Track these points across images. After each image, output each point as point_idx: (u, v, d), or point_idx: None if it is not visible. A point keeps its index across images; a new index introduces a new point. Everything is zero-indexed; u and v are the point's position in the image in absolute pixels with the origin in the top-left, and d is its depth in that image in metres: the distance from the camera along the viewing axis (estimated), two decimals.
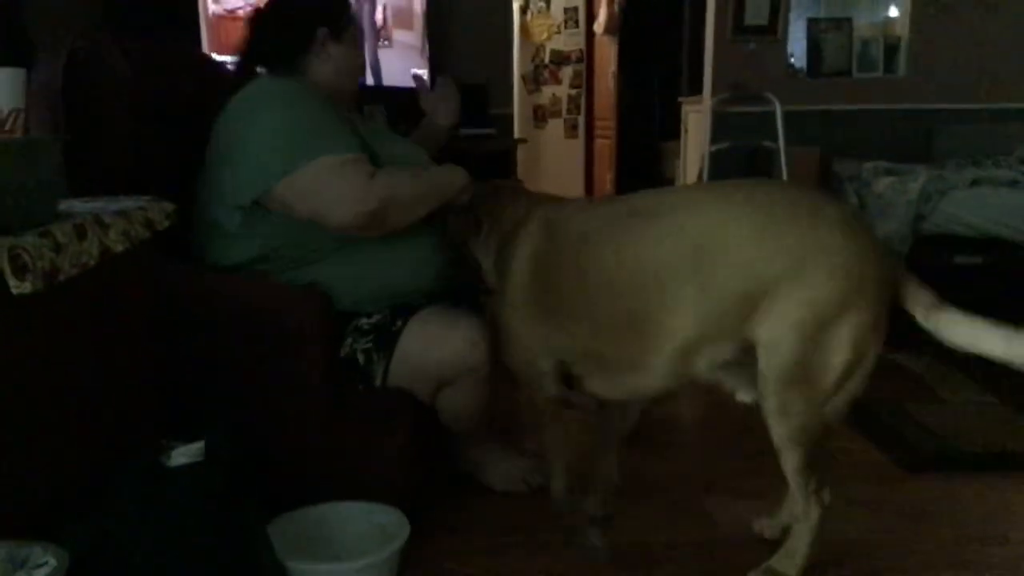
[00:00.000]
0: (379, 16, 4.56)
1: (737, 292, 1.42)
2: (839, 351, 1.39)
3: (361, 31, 1.93)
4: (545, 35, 8.64)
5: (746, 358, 1.47)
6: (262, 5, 1.93)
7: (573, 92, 8.72)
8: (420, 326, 1.75)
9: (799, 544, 1.55)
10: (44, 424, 1.15)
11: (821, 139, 4.47)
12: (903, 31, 4.88)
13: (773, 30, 4.85)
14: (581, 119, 8.78)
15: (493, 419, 1.93)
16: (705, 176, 4.44)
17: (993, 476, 2.07)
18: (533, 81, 8.64)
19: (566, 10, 8.59)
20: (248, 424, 1.62)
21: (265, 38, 1.87)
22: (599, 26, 8.23)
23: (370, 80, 4.31)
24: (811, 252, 1.38)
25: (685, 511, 1.91)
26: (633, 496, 1.96)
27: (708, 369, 1.52)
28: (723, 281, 1.42)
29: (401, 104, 2.07)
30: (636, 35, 7.90)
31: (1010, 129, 4.52)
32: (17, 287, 0.97)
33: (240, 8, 4.25)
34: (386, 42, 4.60)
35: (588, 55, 8.65)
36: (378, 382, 1.74)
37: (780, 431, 1.46)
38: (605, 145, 8.54)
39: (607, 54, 8.26)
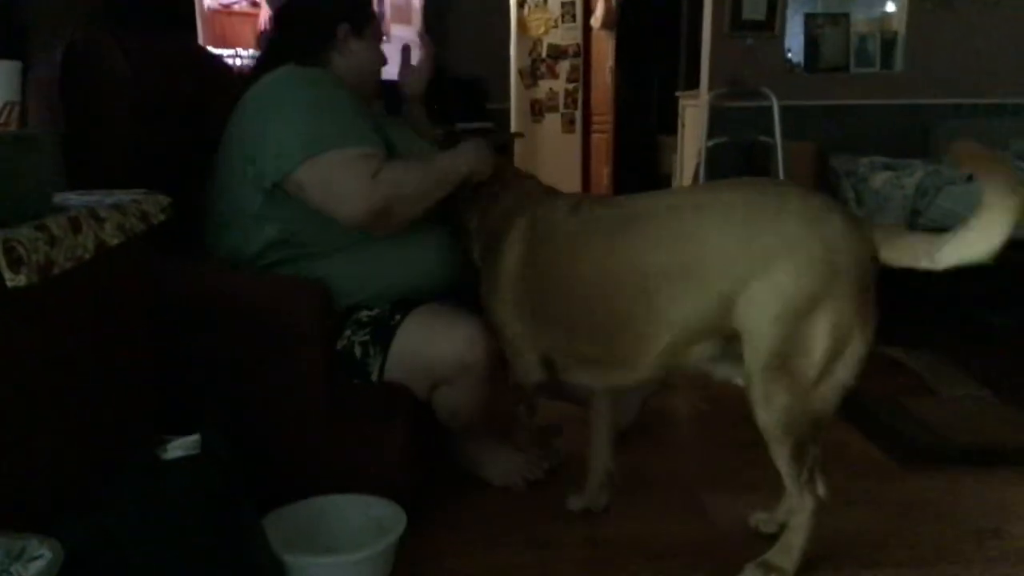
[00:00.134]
0: (377, 11, 4.56)
1: (713, 293, 1.46)
2: (818, 341, 1.41)
3: (380, 27, 1.95)
4: (542, 29, 8.64)
5: (734, 347, 1.49)
6: (283, 4, 1.95)
7: (570, 87, 8.73)
8: (418, 322, 1.74)
9: (795, 538, 1.55)
10: (39, 419, 1.15)
11: (818, 134, 4.47)
12: (900, 26, 4.88)
13: (770, 25, 4.85)
14: (578, 114, 8.78)
15: (492, 418, 1.92)
16: (702, 171, 4.45)
17: (989, 471, 2.07)
18: (530, 76, 8.64)
19: (563, 4, 8.59)
20: (246, 420, 1.62)
21: (288, 35, 1.89)
22: (596, 20, 8.23)
23: None
24: (778, 248, 1.41)
25: (681, 506, 1.91)
26: (629, 491, 1.96)
27: (694, 363, 1.56)
28: (700, 284, 1.47)
29: (400, 98, 2.06)
30: (633, 30, 7.89)
31: (1007, 124, 4.53)
32: (11, 280, 0.97)
33: (235, 3, 4.25)
34: (384, 37, 4.60)
35: (585, 50, 8.65)
36: (374, 377, 1.74)
37: (766, 422, 1.48)
38: (602, 140, 8.54)
39: (604, 49, 8.26)
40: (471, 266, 1.85)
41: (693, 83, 5.34)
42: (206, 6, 4.14)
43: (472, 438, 1.98)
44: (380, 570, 1.55)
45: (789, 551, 1.56)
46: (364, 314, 1.77)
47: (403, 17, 4.69)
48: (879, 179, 3.73)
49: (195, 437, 1.42)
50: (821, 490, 1.55)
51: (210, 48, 3.58)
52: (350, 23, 1.86)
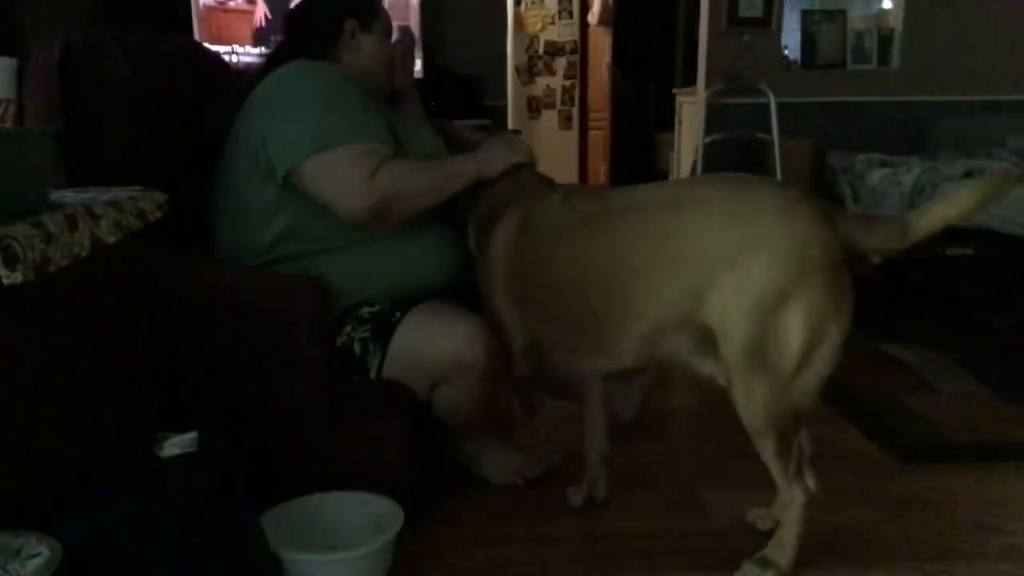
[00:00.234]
0: None
1: (686, 287, 1.48)
2: (793, 335, 1.41)
3: (389, 21, 1.96)
4: (539, 26, 8.63)
5: (711, 343, 1.50)
6: (290, 8, 1.97)
7: (567, 83, 8.72)
8: (418, 320, 1.74)
9: (788, 532, 1.56)
10: (37, 418, 1.15)
11: (815, 131, 4.47)
12: (897, 23, 4.89)
13: (767, 22, 4.84)
14: (575, 110, 8.78)
15: (492, 418, 1.92)
16: (699, 167, 4.44)
17: (985, 466, 2.08)
18: (527, 72, 8.63)
19: (560, 1, 8.59)
20: (245, 417, 1.62)
21: (296, 34, 1.90)
22: (593, 17, 8.23)
23: None
24: (747, 242, 1.43)
25: (680, 503, 1.91)
26: (628, 488, 1.96)
27: (674, 356, 1.58)
28: (673, 277, 1.50)
29: (394, 96, 2.07)
30: (630, 26, 7.90)
31: (1003, 121, 4.53)
32: (7, 277, 0.97)
33: (231, 0, 4.24)
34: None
35: (582, 46, 8.65)
36: (373, 374, 1.74)
37: (748, 417, 1.49)
38: (599, 136, 8.55)
39: (601, 45, 8.26)
40: (473, 265, 1.85)
41: (690, 80, 5.33)
42: (201, 3, 4.14)
43: (471, 437, 1.97)
44: (378, 567, 1.55)
45: (783, 546, 1.56)
46: (365, 310, 1.77)
47: (400, 14, 4.68)
48: (876, 176, 3.74)
49: (192, 435, 1.42)
50: (811, 483, 1.56)
51: (207, 45, 3.57)
52: (357, 18, 1.87)
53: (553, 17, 8.62)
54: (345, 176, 1.66)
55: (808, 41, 4.90)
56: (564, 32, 8.63)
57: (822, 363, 1.44)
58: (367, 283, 1.78)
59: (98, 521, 1.20)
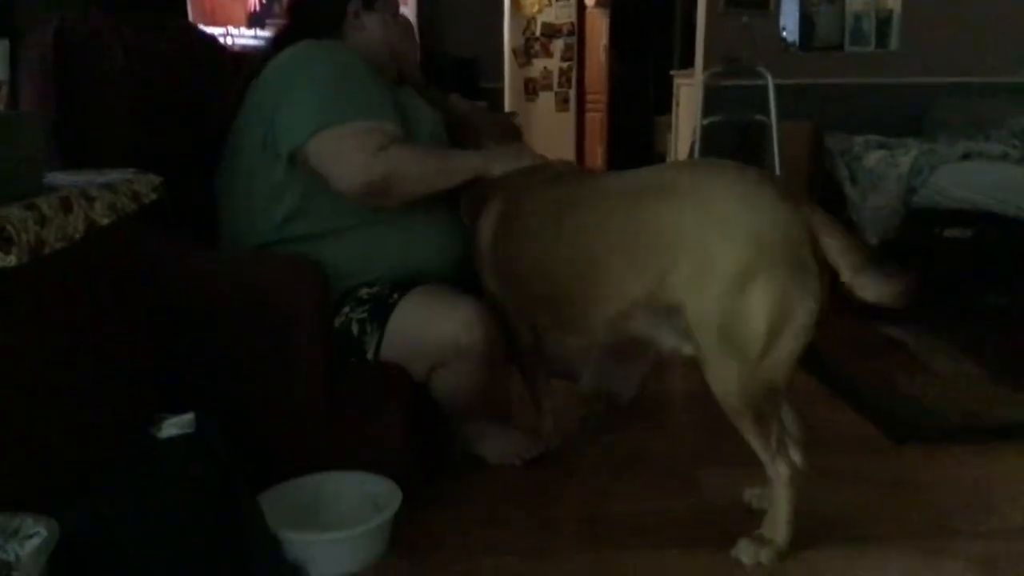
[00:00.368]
0: None
1: (649, 271, 1.52)
2: (758, 314, 1.42)
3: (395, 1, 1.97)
4: (536, 8, 8.58)
5: (679, 319, 1.54)
6: None
7: (564, 65, 8.69)
8: (416, 302, 1.74)
9: (779, 509, 1.56)
10: (33, 402, 1.14)
11: (813, 113, 4.46)
12: (895, 5, 4.86)
13: (765, 3, 4.82)
14: (572, 92, 8.75)
15: (491, 402, 1.93)
16: (697, 150, 4.44)
17: (982, 448, 2.08)
18: (524, 54, 8.59)
19: None
20: (244, 401, 1.62)
21: (301, 16, 1.90)
22: None
23: None
24: (708, 227, 1.45)
25: (674, 481, 1.92)
26: (623, 466, 1.98)
27: (638, 331, 1.63)
28: (637, 262, 1.54)
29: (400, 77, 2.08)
30: (628, 8, 7.85)
31: (1002, 103, 4.52)
32: (2, 260, 0.97)
33: None
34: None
35: (579, 28, 8.60)
36: (370, 355, 1.74)
37: (720, 396, 1.51)
38: (596, 118, 8.52)
39: (598, 27, 8.22)
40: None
41: (688, 62, 5.31)
42: None
43: (469, 419, 1.98)
44: (376, 547, 1.56)
45: (776, 524, 1.57)
46: (364, 291, 1.77)
47: None
48: (874, 158, 3.73)
49: (190, 416, 1.42)
50: (796, 458, 1.56)
51: (200, 27, 3.55)
52: None
53: None
54: (349, 151, 1.67)
55: (806, 23, 4.88)
56: (561, 14, 8.59)
57: (790, 343, 1.44)
58: (370, 265, 1.79)
59: (95, 504, 1.21)
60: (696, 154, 4.45)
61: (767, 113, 4.28)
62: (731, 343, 1.45)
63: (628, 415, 2.22)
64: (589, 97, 8.67)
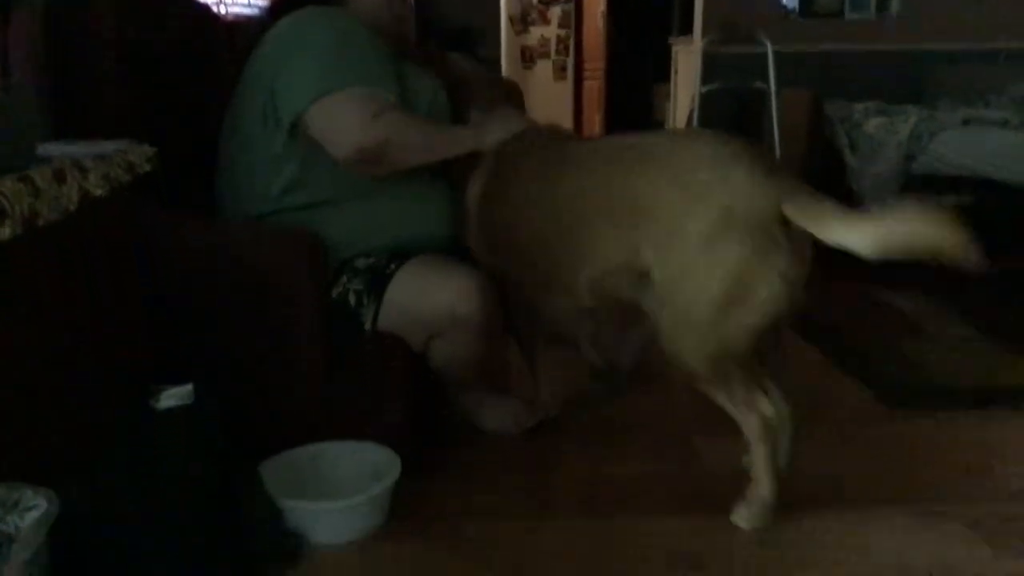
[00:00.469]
0: None
1: (623, 236, 1.54)
2: (714, 282, 1.43)
3: None
4: None
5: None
6: None
7: (562, 33, 8.60)
8: (413, 272, 1.74)
9: (756, 462, 1.57)
10: (28, 374, 1.15)
11: (813, 80, 4.42)
12: None
13: None
14: (570, 60, 8.67)
15: (488, 372, 1.94)
16: (695, 117, 4.41)
17: (980, 412, 2.09)
18: (521, 22, 8.50)
19: None
20: (241, 371, 1.63)
21: None
22: None
23: None
24: (680, 193, 1.46)
25: (673, 447, 1.93)
26: (620, 431, 1.99)
27: (618, 292, 1.64)
28: (612, 227, 1.56)
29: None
30: None
31: (1002, 70, 4.49)
32: None
33: None
34: None
35: None
36: (367, 326, 1.74)
37: (673, 356, 1.53)
38: (594, 87, 8.46)
39: None
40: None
41: (687, 29, 5.26)
42: None
43: (468, 388, 1.98)
44: (376, 515, 1.57)
45: (758, 479, 1.58)
46: (361, 262, 1.76)
47: None
48: (873, 125, 3.71)
49: (188, 387, 1.43)
50: (767, 408, 1.55)
51: None
52: None
53: None
54: (346, 115, 1.66)
55: None
56: None
57: (748, 316, 1.44)
58: (368, 236, 1.78)
59: (94, 476, 1.21)
60: (695, 122, 4.42)
61: (766, 80, 4.24)
62: (683, 308, 1.48)
63: (627, 382, 2.22)
64: (587, 65, 8.60)
